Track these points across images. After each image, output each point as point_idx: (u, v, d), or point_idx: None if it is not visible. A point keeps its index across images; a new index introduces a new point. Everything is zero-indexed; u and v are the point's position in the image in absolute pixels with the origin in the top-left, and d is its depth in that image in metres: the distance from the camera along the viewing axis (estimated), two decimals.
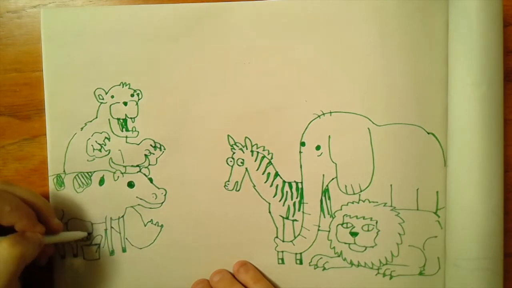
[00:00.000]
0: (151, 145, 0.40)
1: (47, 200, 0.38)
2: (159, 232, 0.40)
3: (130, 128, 0.40)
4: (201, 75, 0.40)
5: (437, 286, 0.39)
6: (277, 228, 0.40)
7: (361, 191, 0.39)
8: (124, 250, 0.40)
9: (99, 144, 0.40)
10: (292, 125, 0.40)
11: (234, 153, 0.40)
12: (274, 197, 0.40)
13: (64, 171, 0.40)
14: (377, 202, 0.39)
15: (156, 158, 0.40)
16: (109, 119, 0.40)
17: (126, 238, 0.40)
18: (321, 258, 0.40)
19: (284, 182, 0.40)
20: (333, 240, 0.40)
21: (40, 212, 0.36)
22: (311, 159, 0.40)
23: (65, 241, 0.39)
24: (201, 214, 0.40)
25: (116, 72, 0.40)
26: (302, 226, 0.40)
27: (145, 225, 0.40)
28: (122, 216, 0.40)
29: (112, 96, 0.40)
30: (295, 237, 0.40)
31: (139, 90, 0.40)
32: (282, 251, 0.40)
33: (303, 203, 0.40)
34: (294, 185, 0.40)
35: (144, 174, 0.40)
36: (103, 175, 0.40)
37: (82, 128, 0.40)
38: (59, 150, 0.40)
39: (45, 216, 0.36)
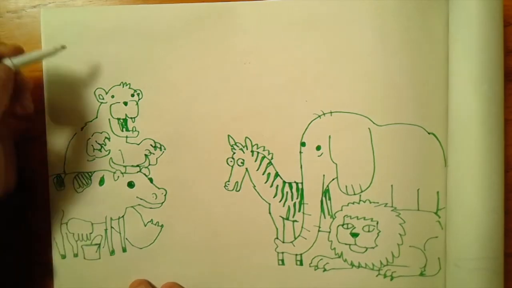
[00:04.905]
0: (151, 145, 0.40)
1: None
2: (159, 232, 0.40)
3: (130, 128, 0.40)
4: (201, 75, 0.40)
5: (437, 286, 0.39)
6: (277, 229, 0.40)
7: (361, 191, 0.39)
8: (124, 250, 0.40)
9: (99, 144, 0.40)
10: (292, 125, 0.39)
11: (234, 153, 0.40)
12: (274, 197, 0.40)
13: (64, 171, 0.40)
14: (377, 202, 0.39)
15: (156, 158, 0.40)
16: (109, 119, 0.40)
17: (126, 238, 0.40)
18: (321, 259, 0.40)
19: (284, 182, 0.40)
20: (334, 241, 0.40)
21: None
22: (312, 159, 0.39)
23: (38, 58, 0.37)
24: (201, 214, 0.40)
25: (116, 72, 0.40)
26: (302, 227, 0.40)
27: (145, 225, 0.40)
28: (122, 216, 0.40)
29: (112, 96, 0.40)
30: (295, 238, 0.40)
31: (139, 90, 0.40)
32: (282, 252, 0.40)
33: (303, 203, 0.40)
34: (294, 185, 0.40)
35: (144, 174, 0.40)
36: (103, 175, 0.40)
37: (82, 128, 0.40)
38: (59, 150, 0.40)
39: None
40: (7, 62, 0.35)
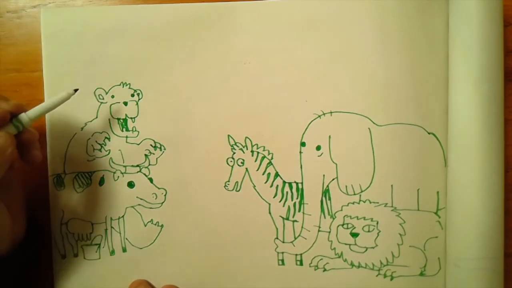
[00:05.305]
0: (151, 145, 0.40)
1: None
2: (159, 232, 0.40)
3: (130, 128, 0.40)
4: (201, 75, 0.40)
5: (437, 286, 0.39)
6: (277, 229, 0.40)
7: (361, 191, 0.39)
8: (124, 250, 0.40)
9: (99, 144, 0.40)
10: (292, 125, 0.39)
11: (234, 153, 0.40)
12: (274, 197, 0.40)
13: (64, 171, 0.40)
14: (377, 202, 0.39)
15: (156, 158, 0.40)
16: (109, 119, 0.40)
17: (126, 238, 0.40)
18: (321, 259, 0.40)
19: (284, 182, 0.40)
20: (334, 241, 0.40)
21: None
22: (312, 159, 0.39)
23: (53, 107, 0.36)
24: (201, 214, 0.40)
25: (116, 72, 0.40)
26: (302, 227, 0.40)
27: (145, 225, 0.40)
28: (122, 216, 0.40)
29: (112, 96, 0.40)
30: (295, 238, 0.40)
31: (139, 90, 0.40)
32: (282, 252, 0.40)
33: (303, 203, 0.40)
34: (294, 185, 0.40)
35: (144, 174, 0.40)
36: (103, 175, 0.40)
37: (82, 128, 0.40)
38: (59, 150, 0.40)
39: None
40: (24, 117, 0.35)
